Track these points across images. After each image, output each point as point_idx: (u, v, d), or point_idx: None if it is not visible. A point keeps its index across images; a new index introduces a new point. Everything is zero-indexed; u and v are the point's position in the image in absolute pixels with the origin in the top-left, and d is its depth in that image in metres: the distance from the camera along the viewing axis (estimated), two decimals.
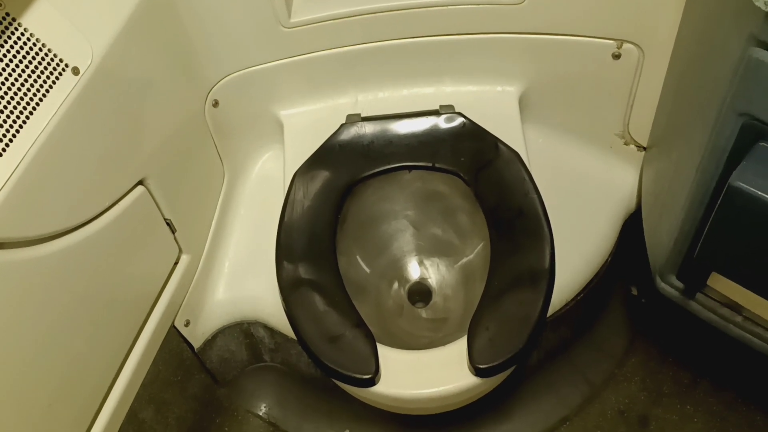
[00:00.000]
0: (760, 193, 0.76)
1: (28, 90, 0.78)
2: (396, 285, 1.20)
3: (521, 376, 1.35)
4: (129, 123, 0.97)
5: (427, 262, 1.22)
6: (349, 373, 0.92)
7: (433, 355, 0.94)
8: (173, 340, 1.19)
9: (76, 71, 0.84)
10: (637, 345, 1.38)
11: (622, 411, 1.31)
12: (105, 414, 0.99)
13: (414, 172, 1.16)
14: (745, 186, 0.77)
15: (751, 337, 0.99)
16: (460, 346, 0.93)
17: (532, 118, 1.31)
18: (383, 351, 0.94)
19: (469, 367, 0.91)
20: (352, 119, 1.19)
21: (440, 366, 0.93)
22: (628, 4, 1.09)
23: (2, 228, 0.75)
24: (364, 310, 1.02)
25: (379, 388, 0.92)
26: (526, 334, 0.92)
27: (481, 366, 0.90)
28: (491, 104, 1.25)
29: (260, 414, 1.38)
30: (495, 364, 0.90)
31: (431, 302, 1.19)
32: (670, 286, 1.07)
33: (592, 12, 1.12)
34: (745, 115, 0.77)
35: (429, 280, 1.21)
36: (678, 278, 1.04)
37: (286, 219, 1.09)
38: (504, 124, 1.20)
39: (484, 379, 0.91)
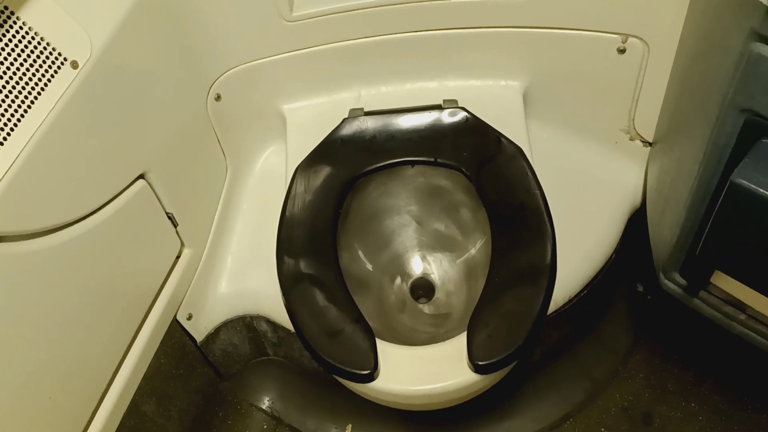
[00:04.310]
0: (761, 190, 0.75)
1: (27, 84, 0.78)
2: (398, 280, 1.20)
3: (525, 373, 1.34)
4: (129, 117, 0.97)
5: (429, 258, 1.22)
6: (347, 369, 0.91)
7: (432, 351, 0.94)
8: (176, 333, 1.19)
9: (74, 65, 0.84)
10: (641, 342, 1.38)
11: (626, 408, 1.31)
12: (106, 406, 1.00)
13: (416, 167, 1.15)
14: (747, 183, 0.76)
15: (754, 335, 0.99)
16: (460, 342, 0.93)
17: (536, 113, 1.30)
18: (382, 346, 0.93)
19: (468, 364, 0.91)
20: (355, 113, 1.19)
21: (439, 362, 0.92)
22: None
23: (2, 221, 0.75)
24: (366, 306, 1.02)
25: (378, 383, 0.91)
26: (526, 331, 0.91)
27: (480, 362, 0.89)
28: (495, 99, 1.24)
29: (263, 408, 1.38)
30: (494, 360, 0.89)
31: (434, 298, 1.18)
32: (673, 283, 1.06)
33: (596, 6, 1.11)
34: (747, 112, 0.76)
35: (432, 275, 1.21)
36: (681, 275, 1.03)
37: (287, 214, 1.08)
38: (507, 119, 1.19)
39: (483, 376, 0.91)
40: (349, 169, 1.13)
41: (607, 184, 1.29)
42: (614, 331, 1.39)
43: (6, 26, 0.78)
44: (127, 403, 1.05)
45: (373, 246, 1.20)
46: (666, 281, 1.07)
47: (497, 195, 1.07)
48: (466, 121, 1.16)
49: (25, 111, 0.78)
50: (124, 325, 1.03)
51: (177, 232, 1.12)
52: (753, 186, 0.76)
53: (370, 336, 0.94)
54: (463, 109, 1.17)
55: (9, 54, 0.77)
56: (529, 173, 1.08)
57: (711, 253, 0.90)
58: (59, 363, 0.89)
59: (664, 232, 1.06)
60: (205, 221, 1.23)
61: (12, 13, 0.79)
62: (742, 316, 0.99)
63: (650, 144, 1.28)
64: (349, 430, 1.35)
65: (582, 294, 1.22)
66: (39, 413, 0.86)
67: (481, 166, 1.10)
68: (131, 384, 1.05)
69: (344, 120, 1.18)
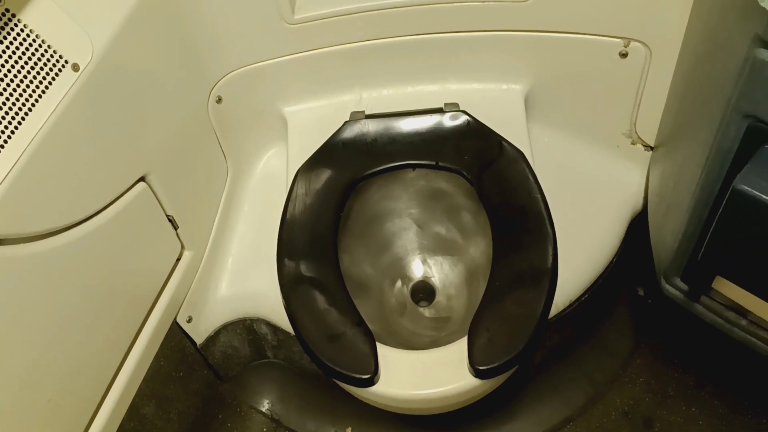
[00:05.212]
0: (764, 196, 0.75)
1: (27, 87, 0.78)
2: (399, 283, 1.20)
3: (526, 376, 1.34)
4: (130, 119, 0.97)
5: (430, 261, 1.21)
6: (347, 373, 0.91)
7: (433, 356, 0.94)
8: (175, 336, 1.19)
9: (75, 68, 0.83)
10: (642, 346, 1.37)
11: (627, 412, 1.30)
12: (106, 409, 0.99)
13: (417, 170, 1.15)
14: (750, 189, 0.76)
15: (755, 340, 0.98)
16: (461, 346, 0.92)
17: (537, 117, 1.30)
18: (383, 351, 0.93)
19: (468, 368, 0.90)
20: (356, 116, 1.19)
21: (440, 366, 0.92)
22: (636, 2, 1.07)
23: (1, 224, 0.75)
24: (367, 309, 1.02)
25: (378, 388, 0.91)
26: (527, 335, 0.91)
27: (480, 367, 0.89)
28: (496, 102, 1.24)
29: (263, 410, 1.38)
30: (495, 365, 0.89)
31: (434, 301, 1.18)
32: (674, 288, 1.06)
33: (599, 10, 1.11)
34: (750, 117, 0.76)
35: (432, 278, 1.20)
36: (683, 280, 1.03)
37: (288, 216, 1.08)
38: (509, 122, 1.19)
39: (484, 381, 0.90)
40: (350, 172, 1.13)
41: (608, 187, 1.29)
42: (615, 335, 1.39)
43: (7, 29, 0.77)
44: (127, 406, 1.05)
45: (374, 249, 1.20)
46: (667, 286, 1.07)
47: (498, 198, 1.07)
48: (467, 124, 1.16)
49: (26, 114, 0.77)
50: (124, 328, 1.03)
51: (177, 235, 1.12)
52: (755, 192, 0.75)
53: (371, 340, 0.93)
54: (465, 112, 1.17)
55: (10, 57, 0.77)
56: (531, 177, 1.08)
57: (713, 258, 0.90)
58: (59, 365, 0.88)
59: (665, 236, 1.05)
60: (205, 224, 1.23)
61: (13, 15, 0.78)
62: (744, 322, 0.99)
63: (652, 148, 1.27)
64: None
65: (583, 298, 1.22)
66: (38, 415, 0.86)
67: (483, 170, 1.10)
68: (131, 386, 1.05)
69: (345, 123, 1.18)
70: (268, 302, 1.24)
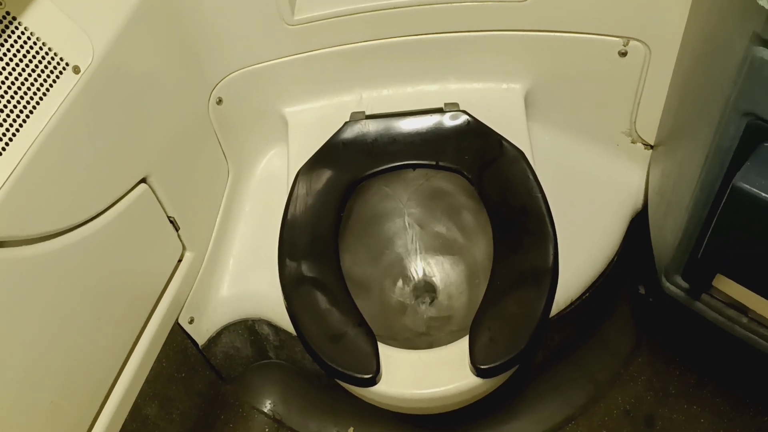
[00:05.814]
0: (763, 194, 0.75)
1: (28, 89, 0.78)
2: (400, 283, 1.20)
3: (527, 376, 1.34)
4: (131, 121, 0.97)
5: (431, 261, 1.22)
6: (349, 373, 0.91)
7: (434, 355, 0.94)
8: (177, 336, 1.19)
9: (76, 70, 0.84)
10: (643, 344, 1.37)
11: (628, 411, 1.30)
12: (108, 410, 1.00)
13: (418, 170, 1.15)
14: (749, 187, 0.76)
15: (756, 338, 0.99)
16: (462, 345, 0.92)
17: (538, 116, 1.30)
18: (384, 350, 0.93)
19: (470, 368, 0.90)
20: (357, 117, 1.19)
21: (441, 366, 0.92)
22: (635, 1, 1.07)
23: (3, 227, 0.75)
24: (368, 308, 1.02)
25: (380, 387, 0.91)
26: (528, 334, 0.91)
27: (482, 366, 0.89)
28: (496, 102, 1.24)
29: (265, 410, 1.38)
30: (496, 364, 0.89)
31: (435, 300, 1.18)
32: (675, 286, 1.06)
33: (598, 9, 1.11)
34: (749, 115, 0.76)
35: (433, 278, 1.20)
36: (683, 278, 1.03)
37: (289, 217, 1.08)
38: (509, 122, 1.19)
39: (486, 380, 0.90)
40: (350, 172, 1.13)
41: (608, 186, 1.29)
42: (616, 333, 1.39)
43: (8, 32, 0.78)
44: (129, 407, 1.05)
45: (375, 249, 1.20)
46: (668, 284, 1.07)
47: (499, 198, 1.07)
48: (467, 124, 1.16)
49: (27, 116, 0.78)
50: (125, 329, 1.03)
51: (179, 236, 1.12)
52: (755, 190, 0.76)
53: (372, 340, 0.94)
54: (465, 112, 1.17)
55: (11, 59, 0.77)
56: (531, 176, 1.08)
57: (713, 256, 0.90)
58: (61, 367, 0.89)
59: (666, 235, 1.05)
60: (206, 225, 1.23)
61: (14, 18, 0.79)
62: (744, 319, 0.99)
63: (652, 147, 1.27)
64: None
65: (584, 297, 1.22)
66: (41, 417, 0.86)
67: (483, 170, 1.10)
68: (133, 387, 1.05)
69: (346, 123, 1.18)
70: (269, 303, 1.24)
